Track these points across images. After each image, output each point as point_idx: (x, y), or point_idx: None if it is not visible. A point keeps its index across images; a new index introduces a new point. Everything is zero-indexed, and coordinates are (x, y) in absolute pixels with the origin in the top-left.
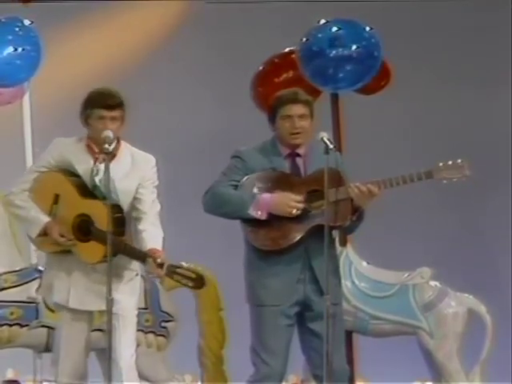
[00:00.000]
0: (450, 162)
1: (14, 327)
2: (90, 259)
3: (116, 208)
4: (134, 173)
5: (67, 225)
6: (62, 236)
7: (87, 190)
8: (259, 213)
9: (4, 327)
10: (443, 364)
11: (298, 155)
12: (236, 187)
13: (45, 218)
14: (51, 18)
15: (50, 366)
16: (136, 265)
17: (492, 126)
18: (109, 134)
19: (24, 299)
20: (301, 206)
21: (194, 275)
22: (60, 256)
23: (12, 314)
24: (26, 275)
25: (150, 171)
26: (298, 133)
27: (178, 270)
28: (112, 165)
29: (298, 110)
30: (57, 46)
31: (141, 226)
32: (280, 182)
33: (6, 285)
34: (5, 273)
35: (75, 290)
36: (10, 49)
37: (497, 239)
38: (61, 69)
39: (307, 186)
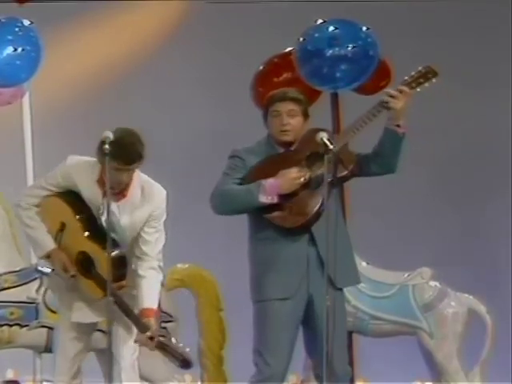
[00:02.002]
0: (413, 72)
1: (13, 327)
2: (92, 295)
3: (117, 247)
4: (143, 208)
5: (70, 256)
6: (65, 270)
7: (91, 226)
8: (270, 198)
9: (4, 327)
10: (443, 364)
11: None
12: (240, 185)
13: (51, 244)
14: (51, 18)
15: (53, 366)
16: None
17: (492, 126)
18: (108, 134)
19: (24, 299)
20: (303, 173)
21: (181, 357)
22: None
23: (12, 314)
24: (26, 275)
25: (160, 206)
26: (286, 130)
27: (167, 349)
28: (121, 203)
29: (286, 106)
30: (57, 46)
31: (141, 271)
32: (275, 162)
33: (6, 285)
34: (5, 273)
35: (78, 305)
36: (10, 49)
37: (497, 239)
38: (61, 69)
39: (302, 153)
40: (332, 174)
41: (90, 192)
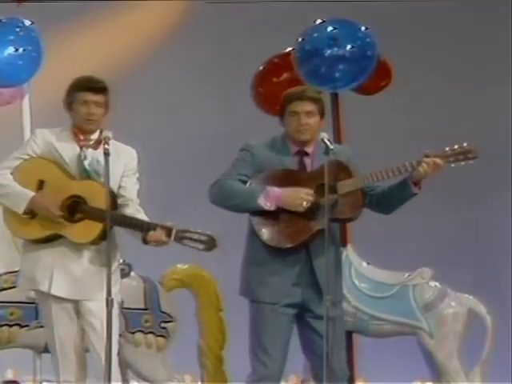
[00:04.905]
0: (456, 146)
1: (13, 327)
2: (84, 239)
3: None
4: (117, 161)
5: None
6: (52, 213)
7: (75, 174)
8: (268, 204)
9: (4, 327)
10: (443, 364)
11: (306, 154)
12: (244, 182)
13: (30, 193)
14: (52, 18)
15: (52, 367)
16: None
17: (492, 125)
18: (108, 134)
19: (23, 300)
20: (311, 198)
21: (204, 237)
22: (39, 246)
23: (12, 314)
24: None
25: (132, 161)
26: (304, 129)
27: (187, 235)
28: (98, 151)
29: (304, 106)
30: (57, 46)
31: (129, 211)
32: (288, 178)
33: (5, 285)
34: (5, 273)
35: (57, 277)
36: (11, 49)
37: (497, 239)
38: (61, 69)
39: (315, 180)
40: (334, 215)
41: (68, 147)
